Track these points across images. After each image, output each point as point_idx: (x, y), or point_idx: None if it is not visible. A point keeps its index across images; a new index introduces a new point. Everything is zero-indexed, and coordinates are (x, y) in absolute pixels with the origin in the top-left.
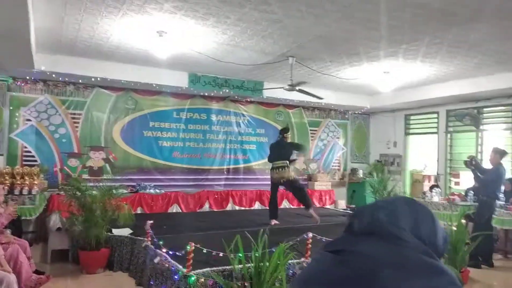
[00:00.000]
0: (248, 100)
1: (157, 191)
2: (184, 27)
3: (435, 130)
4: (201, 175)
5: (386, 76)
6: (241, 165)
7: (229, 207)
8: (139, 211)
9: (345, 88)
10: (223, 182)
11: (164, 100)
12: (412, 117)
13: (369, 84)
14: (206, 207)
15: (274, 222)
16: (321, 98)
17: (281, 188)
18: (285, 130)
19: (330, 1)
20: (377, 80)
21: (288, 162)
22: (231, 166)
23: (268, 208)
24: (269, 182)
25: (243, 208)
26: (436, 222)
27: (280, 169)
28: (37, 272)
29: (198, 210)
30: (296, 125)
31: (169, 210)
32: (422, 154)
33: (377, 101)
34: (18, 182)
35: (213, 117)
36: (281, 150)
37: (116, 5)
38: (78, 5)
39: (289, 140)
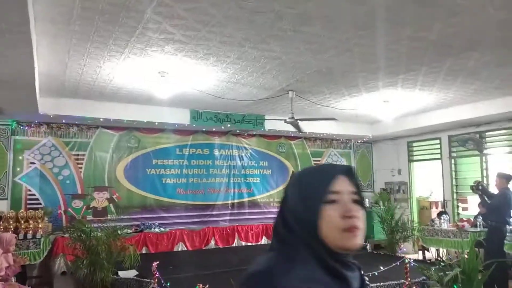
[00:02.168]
0: (250, 133)
1: (162, 229)
2: (185, 67)
3: (438, 156)
4: (205, 211)
5: (386, 105)
6: (246, 199)
7: (235, 243)
8: (144, 251)
9: (346, 118)
10: (228, 218)
11: (166, 137)
12: (414, 144)
13: (369, 113)
14: (211, 244)
15: None
16: (334, 119)
17: None
18: None
19: (327, 37)
20: (377, 109)
21: None
22: (236, 201)
23: None
24: (274, 216)
25: (249, 244)
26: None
27: None
28: None
29: (204, 248)
30: (299, 156)
31: (175, 249)
32: (427, 181)
33: (378, 130)
34: (23, 226)
35: (216, 152)
36: None
37: (118, 49)
38: (81, 51)
39: None
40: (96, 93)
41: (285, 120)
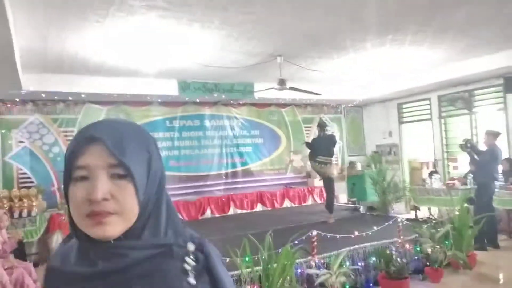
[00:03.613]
0: (240, 102)
1: None
2: (169, 35)
3: (428, 116)
4: (199, 182)
5: (374, 67)
6: (239, 168)
7: (231, 211)
8: None
9: (336, 82)
10: (222, 187)
11: (155, 110)
12: (404, 106)
13: (359, 76)
14: (208, 214)
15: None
16: (318, 94)
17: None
18: (324, 124)
19: None
20: (367, 71)
21: (331, 159)
22: (229, 170)
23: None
24: (268, 183)
25: (244, 211)
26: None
27: (323, 165)
28: None
29: (200, 217)
30: (290, 123)
31: None
32: (418, 142)
33: (368, 93)
34: (17, 205)
35: (207, 123)
36: (328, 146)
37: (98, 19)
38: (60, 23)
39: (331, 133)
40: (80, 66)
41: (274, 87)
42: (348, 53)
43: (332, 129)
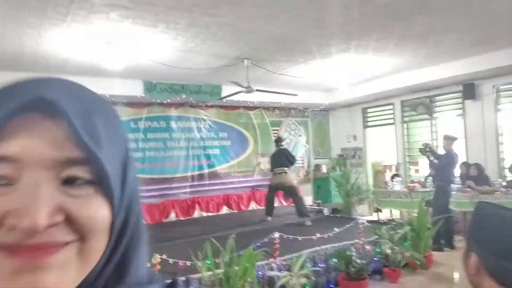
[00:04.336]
0: (208, 104)
1: None
2: (133, 35)
3: (391, 121)
4: (164, 184)
5: (340, 72)
6: (206, 171)
7: (196, 214)
8: None
9: (303, 86)
10: (188, 190)
11: (120, 111)
12: (369, 110)
13: (325, 81)
14: (172, 217)
15: (269, 218)
16: (295, 95)
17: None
18: (280, 140)
19: (278, 3)
20: (332, 76)
21: (286, 169)
22: (196, 173)
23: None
24: (235, 186)
25: (210, 214)
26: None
27: (278, 175)
28: None
29: (164, 220)
30: (258, 126)
31: None
32: (381, 145)
33: (334, 97)
34: None
35: (173, 124)
36: (281, 158)
37: (59, 17)
38: (18, 19)
39: (284, 147)
40: (41, 65)
41: (241, 89)
42: (315, 58)
43: (299, 132)
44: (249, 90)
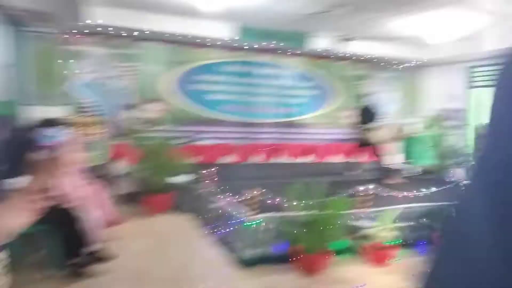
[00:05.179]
0: (298, 52)
1: (210, 142)
2: None
3: None
4: (252, 128)
5: (442, 26)
6: (291, 119)
7: (280, 160)
8: (194, 161)
9: (398, 39)
10: (273, 135)
11: (214, 53)
12: (476, 69)
13: (425, 34)
14: (256, 159)
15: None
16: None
17: None
18: (367, 95)
19: None
20: (434, 30)
21: (373, 125)
22: (282, 120)
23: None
24: (318, 136)
25: (294, 161)
26: None
27: (365, 131)
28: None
29: (249, 162)
30: (346, 78)
31: (222, 161)
32: (486, 107)
33: (434, 53)
34: (82, 131)
35: (263, 70)
36: (368, 114)
37: None
38: None
39: (371, 103)
40: (138, 3)
41: (333, 38)
42: (416, 8)
43: (390, 88)
44: (344, 39)
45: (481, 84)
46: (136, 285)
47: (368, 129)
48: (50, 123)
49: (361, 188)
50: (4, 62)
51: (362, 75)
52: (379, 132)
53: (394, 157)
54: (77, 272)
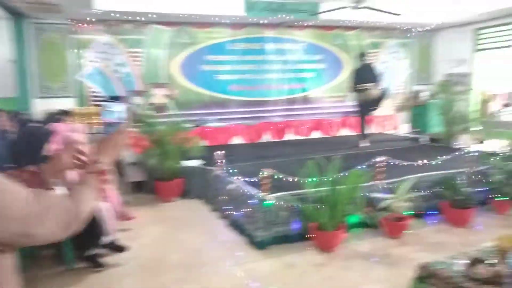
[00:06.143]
0: (304, 24)
1: (218, 124)
2: None
3: (509, 43)
4: (259, 107)
5: None
6: (299, 94)
7: (288, 137)
8: (203, 144)
9: (408, 3)
10: (281, 113)
11: (219, 32)
12: (482, 31)
13: None
14: (266, 138)
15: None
16: (398, 14)
17: None
18: (363, 55)
19: None
20: None
21: (371, 84)
22: (289, 96)
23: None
24: (328, 111)
25: (302, 137)
26: None
27: (364, 91)
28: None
29: (259, 141)
30: (355, 48)
31: (232, 142)
32: (493, 72)
33: (443, 16)
34: (87, 121)
35: (268, 46)
36: (366, 74)
37: None
38: None
39: (369, 62)
40: None
41: (348, 5)
42: None
43: (400, 55)
44: (357, 6)
45: (486, 47)
46: (152, 272)
47: (365, 89)
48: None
49: (374, 160)
50: (10, 57)
51: (372, 43)
52: (373, 92)
53: (398, 127)
54: (94, 264)
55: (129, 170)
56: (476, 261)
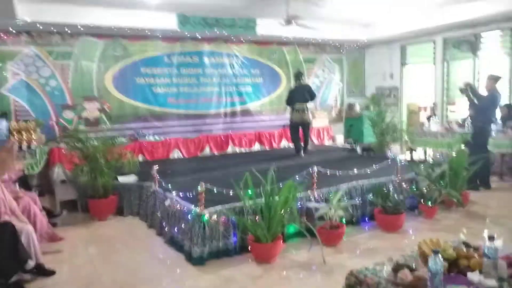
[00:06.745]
0: (241, 39)
1: (157, 138)
2: None
3: (431, 59)
4: (198, 120)
5: (380, 5)
6: (238, 108)
7: (230, 149)
8: (140, 159)
9: (341, 21)
10: (221, 126)
11: (153, 45)
12: (408, 47)
13: (363, 15)
14: (207, 151)
15: (301, 154)
16: (315, 29)
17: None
18: (300, 74)
19: None
20: (371, 10)
21: (306, 104)
22: (228, 109)
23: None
24: (266, 123)
25: (243, 150)
26: None
27: (300, 112)
28: (50, 223)
29: (199, 155)
30: (291, 62)
31: (171, 156)
32: (418, 85)
33: (373, 33)
34: (16, 137)
35: (206, 60)
36: (303, 93)
37: None
38: None
39: (306, 83)
40: None
41: (280, 23)
42: None
43: (333, 69)
44: (288, 21)
45: (412, 62)
46: None
47: (301, 110)
48: None
49: (309, 169)
50: None
51: (307, 58)
52: (309, 112)
53: (333, 138)
54: None
55: (59, 188)
56: (399, 267)
